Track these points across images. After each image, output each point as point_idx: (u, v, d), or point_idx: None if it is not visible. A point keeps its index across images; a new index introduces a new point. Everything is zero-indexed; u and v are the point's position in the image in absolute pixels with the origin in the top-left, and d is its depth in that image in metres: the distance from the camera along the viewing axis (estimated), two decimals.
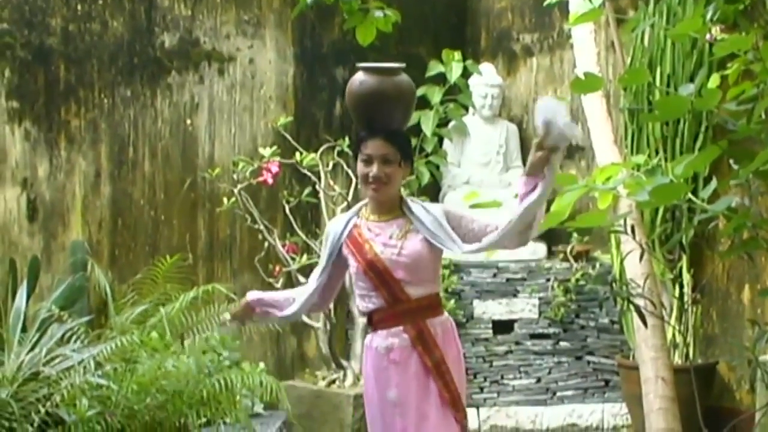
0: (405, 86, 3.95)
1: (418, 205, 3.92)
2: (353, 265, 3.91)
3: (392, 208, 3.92)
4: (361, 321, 6.60)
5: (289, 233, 7.02)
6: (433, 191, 7.53)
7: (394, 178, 3.86)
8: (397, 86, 3.91)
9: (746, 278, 6.52)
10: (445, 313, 3.98)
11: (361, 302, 3.96)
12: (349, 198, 6.75)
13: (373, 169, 3.82)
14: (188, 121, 7.01)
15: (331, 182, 7.03)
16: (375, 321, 3.91)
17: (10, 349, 5.11)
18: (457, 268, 7.02)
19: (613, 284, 3.90)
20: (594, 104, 6.21)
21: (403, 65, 3.98)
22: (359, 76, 3.91)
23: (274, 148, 6.83)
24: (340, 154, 7.03)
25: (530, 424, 7.01)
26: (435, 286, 3.94)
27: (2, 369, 4.81)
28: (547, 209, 3.64)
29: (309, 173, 6.92)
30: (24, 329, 5.41)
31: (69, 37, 6.59)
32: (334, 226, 4.01)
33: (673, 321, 6.51)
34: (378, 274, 3.84)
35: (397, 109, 3.90)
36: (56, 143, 6.53)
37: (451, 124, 7.65)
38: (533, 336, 7.06)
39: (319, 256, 6.82)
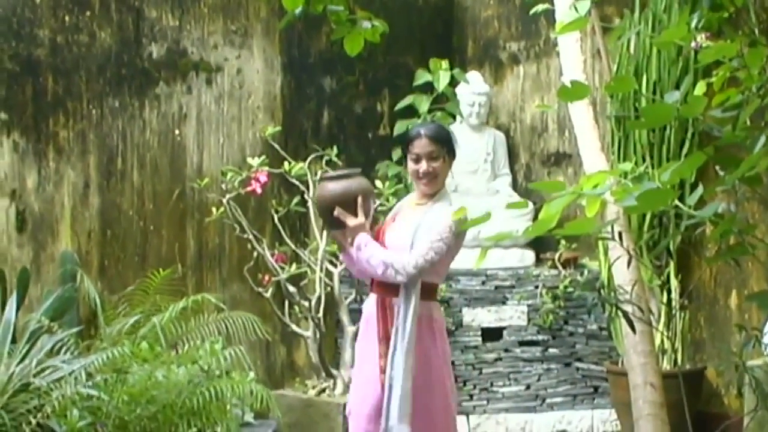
0: (354, 188, 4.41)
1: (441, 205, 4.43)
2: None
3: (430, 198, 4.47)
4: (350, 330, 6.62)
5: (278, 243, 7.03)
6: None
7: (441, 171, 4.45)
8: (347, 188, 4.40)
9: (733, 284, 6.55)
10: (413, 301, 4.32)
11: None
12: None
13: (423, 166, 4.40)
14: (176, 132, 7.02)
15: None
16: (370, 285, 4.53)
17: (0, 360, 5.10)
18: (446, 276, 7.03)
19: (602, 291, 3.94)
20: (581, 112, 6.23)
21: (358, 170, 4.55)
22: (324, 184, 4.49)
23: (263, 157, 6.84)
24: (329, 163, 7.04)
25: (520, 431, 7.02)
26: None
27: None
28: (535, 217, 3.67)
29: (297, 182, 6.93)
30: (14, 340, 5.40)
31: (57, 48, 6.60)
32: (394, 208, 4.72)
33: (661, 327, 6.53)
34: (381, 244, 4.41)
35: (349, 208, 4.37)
36: (45, 154, 6.53)
37: None
38: (522, 343, 7.07)
39: (308, 266, 6.92)
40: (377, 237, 4.44)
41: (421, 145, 4.41)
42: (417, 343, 4.28)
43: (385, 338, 4.34)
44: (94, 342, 5.77)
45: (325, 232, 6.63)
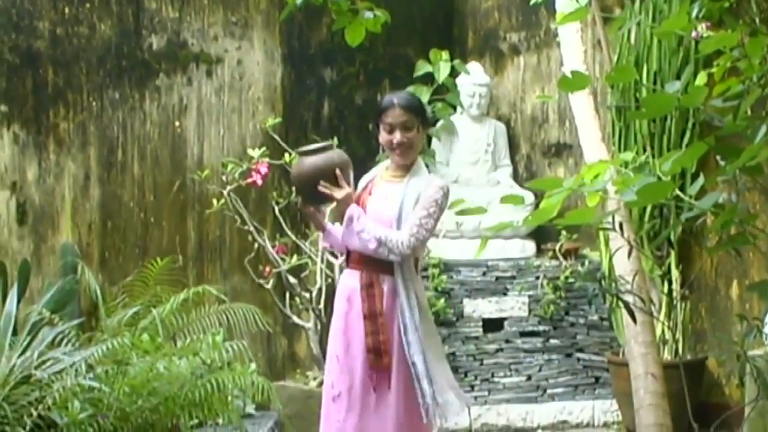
0: (336, 160, 4.33)
1: (420, 178, 4.34)
2: None
3: (406, 170, 4.38)
4: None
5: (279, 234, 7.03)
6: None
7: (415, 141, 4.35)
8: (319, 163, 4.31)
9: (734, 274, 6.55)
10: (402, 276, 4.27)
11: None
12: None
13: (396, 136, 4.29)
14: (177, 123, 7.02)
15: None
16: (347, 259, 4.45)
17: (1, 352, 5.10)
18: (446, 267, 7.04)
19: (602, 281, 3.93)
20: (581, 102, 6.23)
21: (333, 143, 4.50)
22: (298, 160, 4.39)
23: (263, 149, 6.83)
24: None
25: (521, 421, 7.03)
26: None
27: None
28: (536, 207, 3.67)
29: None
30: (15, 333, 5.40)
31: (57, 40, 6.59)
32: (363, 178, 4.54)
33: (662, 317, 6.53)
34: None
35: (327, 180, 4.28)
36: (45, 146, 6.53)
37: (440, 123, 7.66)
38: (523, 334, 7.07)
39: (309, 257, 6.92)
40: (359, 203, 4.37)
41: (394, 115, 4.30)
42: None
43: (371, 316, 4.27)
44: (95, 334, 5.77)
45: None
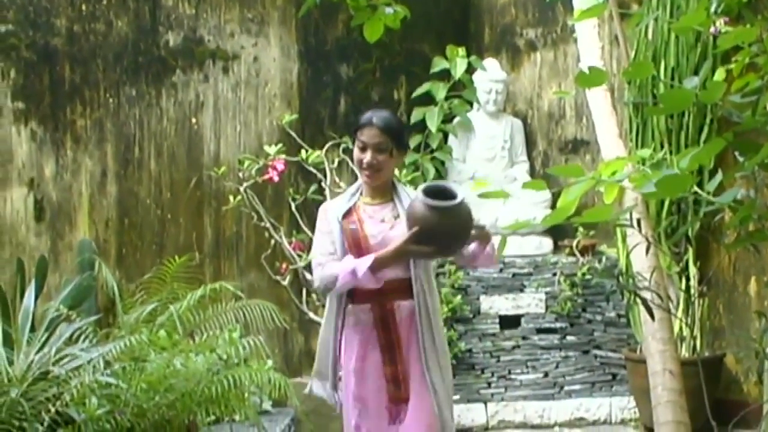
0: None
1: (405, 193, 4.22)
2: (339, 239, 4.15)
3: (385, 193, 4.23)
4: None
5: (296, 231, 7.03)
6: None
7: (386, 165, 4.16)
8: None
9: (752, 270, 6.52)
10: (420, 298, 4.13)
11: None
12: None
13: (367, 156, 4.13)
14: (193, 120, 7.03)
15: (337, 179, 7.04)
16: (351, 294, 4.17)
17: (19, 348, 5.11)
18: None
19: (620, 278, 3.92)
20: (598, 98, 6.21)
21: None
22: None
23: (280, 145, 6.84)
24: (345, 151, 7.04)
25: (538, 418, 7.02)
26: (409, 271, 4.12)
27: (12, 369, 4.81)
28: (553, 205, 3.66)
29: (314, 170, 6.93)
30: (32, 329, 5.41)
31: (74, 37, 6.61)
32: (333, 205, 4.28)
33: (679, 314, 6.51)
34: (360, 251, 4.11)
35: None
36: (62, 143, 6.55)
37: (456, 119, 7.65)
38: (540, 330, 7.06)
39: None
40: (359, 244, 4.14)
41: (369, 134, 4.13)
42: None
43: (388, 346, 4.13)
44: (113, 330, 5.78)
45: None
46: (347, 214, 4.20)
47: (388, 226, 4.16)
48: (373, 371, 4.17)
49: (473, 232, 4.01)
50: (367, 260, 4.02)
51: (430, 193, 3.98)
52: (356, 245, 4.14)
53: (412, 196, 4.11)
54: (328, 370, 4.27)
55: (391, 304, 4.14)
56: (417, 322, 4.10)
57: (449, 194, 3.99)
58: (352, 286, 4.09)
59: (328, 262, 4.16)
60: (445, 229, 3.94)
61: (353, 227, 4.16)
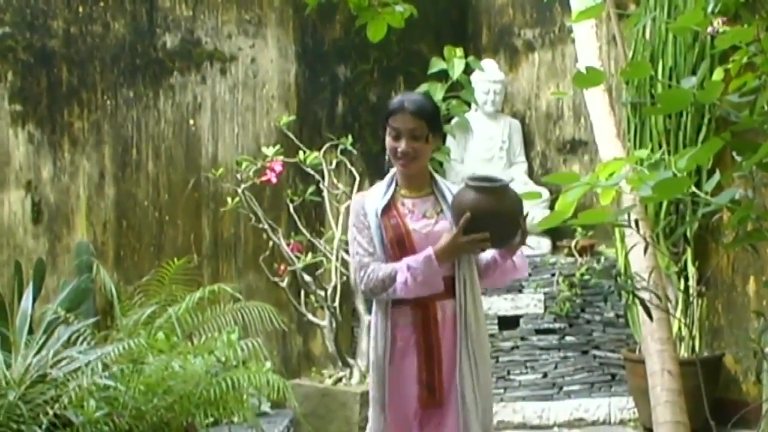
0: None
1: (446, 187, 3.96)
2: (377, 236, 3.89)
3: (423, 185, 3.97)
4: (366, 319, 6.60)
5: (294, 232, 7.03)
6: None
7: (422, 152, 3.88)
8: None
9: (751, 270, 6.52)
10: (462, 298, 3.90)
11: None
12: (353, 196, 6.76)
13: (402, 145, 3.85)
14: (191, 122, 7.02)
15: (335, 180, 7.04)
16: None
17: (17, 351, 5.11)
18: None
19: (618, 278, 3.92)
20: (596, 98, 6.21)
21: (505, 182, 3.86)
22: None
23: (277, 147, 6.84)
24: (343, 152, 7.04)
25: (537, 419, 7.01)
26: (453, 269, 3.89)
27: (10, 371, 4.81)
28: (551, 207, 3.66)
29: (312, 172, 6.93)
30: (30, 331, 5.41)
31: (71, 39, 6.60)
32: (370, 199, 3.97)
33: (678, 314, 6.51)
34: (402, 249, 3.86)
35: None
36: (60, 145, 6.54)
37: (454, 120, 7.66)
38: (539, 331, 7.06)
39: (323, 255, 6.91)
40: (402, 241, 3.87)
41: (402, 120, 3.84)
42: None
43: (426, 349, 3.86)
44: (111, 332, 5.78)
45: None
46: (386, 208, 3.92)
47: (432, 221, 3.90)
48: (408, 375, 3.89)
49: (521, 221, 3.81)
50: (424, 260, 3.76)
51: (475, 182, 3.80)
52: (399, 242, 3.87)
53: (453, 191, 3.89)
54: (384, 396, 3.92)
55: (433, 305, 3.88)
56: (458, 325, 3.87)
57: (495, 183, 3.82)
58: (410, 290, 3.79)
59: (371, 263, 3.88)
60: (498, 212, 3.72)
61: (394, 222, 3.89)
